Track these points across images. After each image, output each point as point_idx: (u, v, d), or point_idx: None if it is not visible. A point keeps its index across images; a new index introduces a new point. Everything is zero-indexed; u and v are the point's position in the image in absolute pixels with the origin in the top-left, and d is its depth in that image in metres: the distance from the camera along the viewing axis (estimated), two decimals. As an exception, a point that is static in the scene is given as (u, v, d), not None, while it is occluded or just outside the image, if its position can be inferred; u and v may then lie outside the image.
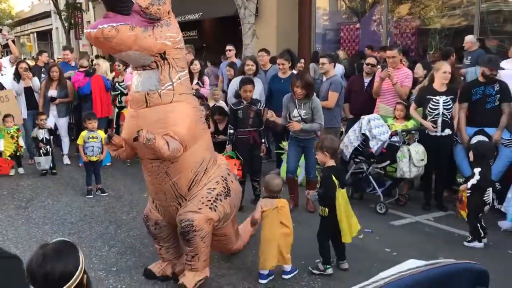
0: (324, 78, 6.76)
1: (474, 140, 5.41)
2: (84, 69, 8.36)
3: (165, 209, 3.82)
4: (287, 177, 5.71)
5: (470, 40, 8.48)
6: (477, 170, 4.56)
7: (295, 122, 5.28)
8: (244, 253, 4.51)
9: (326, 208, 4.07)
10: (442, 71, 5.47)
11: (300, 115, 5.32)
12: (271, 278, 3.99)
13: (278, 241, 3.90)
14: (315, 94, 5.38)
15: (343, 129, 7.07)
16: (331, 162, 4.14)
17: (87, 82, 8.00)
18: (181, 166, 3.56)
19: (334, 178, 3.98)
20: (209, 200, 3.65)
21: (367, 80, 6.78)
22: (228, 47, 8.99)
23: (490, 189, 4.65)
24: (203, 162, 3.70)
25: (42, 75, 8.63)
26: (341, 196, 3.99)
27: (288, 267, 4.04)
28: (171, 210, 3.76)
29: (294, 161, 5.68)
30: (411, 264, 1.14)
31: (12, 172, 7.47)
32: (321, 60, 6.53)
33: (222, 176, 3.84)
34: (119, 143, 3.64)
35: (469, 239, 4.69)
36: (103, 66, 8.11)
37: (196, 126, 3.61)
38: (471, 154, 4.78)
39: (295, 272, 4.08)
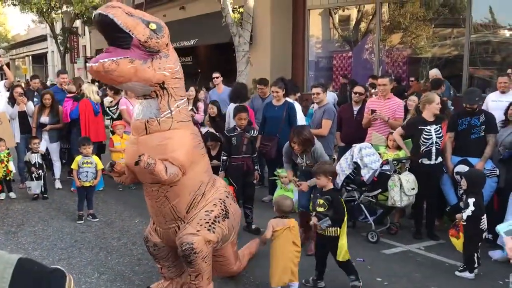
0: (317, 106, 6.83)
1: (457, 169, 5.49)
2: (72, 94, 8.39)
3: (164, 232, 3.93)
4: (299, 211, 5.51)
5: (434, 74, 9.07)
6: (471, 201, 4.57)
7: (304, 183, 5.20)
8: (252, 273, 4.53)
9: (338, 228, 4.20)
10: (436, 103, 5.58)
11: (305, 163, 5.20)
12: None
13: (291, 259, 4.07)
14: (317, 145, 5.16)
15: (335, 157, 7.13)
16: (331, 185, 4.33)
17: (76, 107, 8.00)
18: (180, 190, 3.69)
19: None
20: (207, 222, 3.75)
21: (356, 108, 6.88)
22: (214, 75, 8.99)
23: (485, 216, 4.67)
24: (201, 185, 3.83)
25: (35, 99, 8.66)
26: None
27: (296, 285, 4.19)
28: (171, 232, 3.87)
29: (306, 194, 5.38)
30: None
31: (2, 196, 7.41)
32: (314, 90, 6.62)
33: (221, 199, 3.94)
34: (121, 170, 3.81)
35: (461, 268, 4.69)
36: (88, 89, 8.05)
37: (194, 152, 3.75)
38: (464, 182, 4.82)
39: None
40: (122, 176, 3.87)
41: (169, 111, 3.59)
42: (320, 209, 4.23)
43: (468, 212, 4.56)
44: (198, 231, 3.69)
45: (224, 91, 8.60)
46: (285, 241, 4.05)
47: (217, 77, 8.85)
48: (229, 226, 3.96)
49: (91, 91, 8.05)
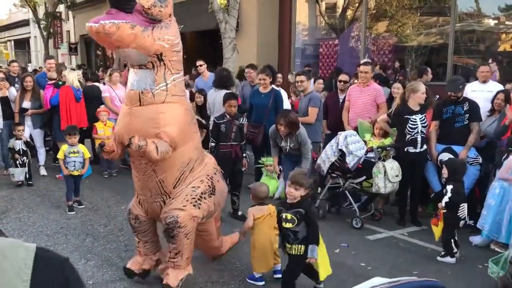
0: (302, 95, 6.87)
1: (441, 157, 5.59)
2: (54, 81, 8.28)
3: (149, 205, 3.94)
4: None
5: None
6: (449, 188, 4.70)
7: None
8: (237, 260, 4.58)
9: (303, 246, 3.70)
10: (421, 92, 5.64)
11: (289, 146, 5.40)
12: (262, 283, 4.17)
13: (273, 243, 4.08)
14: (302, 130, 5.34)
15: (322, 144, 7.18)
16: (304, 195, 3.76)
17: (56, 93, 7.89)
18: (168, 165, 3.70)
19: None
20: (194, 198, 3.75)
21: (341, 96, 6.94)
22: (198, 63, 8.94)
23: (465, 205, 4.77)
24: (190, 161, 3.84)
25: (16, 85, 8.54)
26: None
27: (279, 266, 4.22)
28: (155, 206, 3.88)
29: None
30: (376, 281, 1.22)
31: (-15, 183, 7.35)
32: (298, 77, 6.66)
33: (208, 175, 3.94)
34: (111, 149, 3.78)
35: (442, 254, 4.81)
36: (69, 76, 7.93)
37: (187, 128, 3.75)
38: (444, 170, 4.92)
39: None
40: (112, 153, 3.84)
41: (165, 83, 3.56)
42: (288, 225, 3.71)
43: (445, 198, 4.68)
44: (184, 206, 3.69)
45: (210, 78, 8.55)
46: (267, 228, 4.07)
47: (200, 65, 8.79)
48: (215, 202, 3.97)
49: (72, 77, 7.93)
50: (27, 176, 7.40)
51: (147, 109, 3.55)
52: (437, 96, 6.77)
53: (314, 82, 8.65)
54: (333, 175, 5.87)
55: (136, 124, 3.55)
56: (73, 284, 0.88)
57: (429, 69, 7.83)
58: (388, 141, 5.98)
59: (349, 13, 13.25)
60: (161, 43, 3.45)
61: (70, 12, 26.43)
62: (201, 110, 7.42)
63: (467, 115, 5.67)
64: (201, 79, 8.86)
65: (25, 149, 7.33)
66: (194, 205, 3.73)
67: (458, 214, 4.72)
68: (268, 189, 4.40)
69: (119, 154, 3.93)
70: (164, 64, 3.55)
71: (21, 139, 7.32)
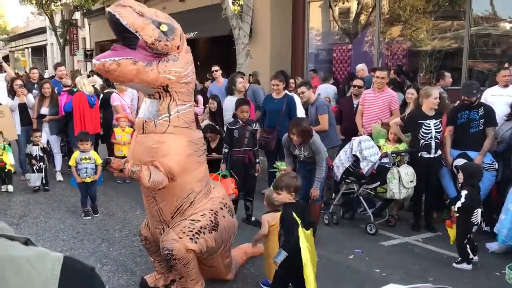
0: (309, 105, 6.82)
1: (456, 162, 5.55)
2: (68, 88, 8.39)
3: (153, 229, 3.98)
4: None
5: (361, 68, 9.49)
6: (463, 193, 4.66)
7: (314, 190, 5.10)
8: (251, 265, 4.57)
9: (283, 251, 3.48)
10: (433, 97, 5.60)
11: (303, 155, 5.20)
12: None
13: None
14: (315, 138, 5.10)
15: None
16: (290, 200, 3.64)
17: (70, 100, 8.01)
18: (167, 194, 3.70)
19: (295, 215, 3.47)
20: (191, 231, 3.69)
21: (356, 101, 6.93)
22: (214, 68, 8.90)
23: (479, 210, 4.72)
24: (191, 194, 3.77)
25: (34, 91, 8.68)
26: (306, 237, 3.47)
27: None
28: (157, 232, 3.92)
29: (304, 186, 5.10)
30: (391, 289, 1.22)
31: (4, 188, 7.46)
32: (299, 89, 6.68)
33: (212, 210, 3.85)
34: (118, 167, 3.68)
35: (458, 260, 4.75)
36: (80, 82, 8.04)
37: (187, 160, 3.68)
38: (460, 174, 4.88)
39: None
40: (120, 173, 3.79)
41: (168, 114, 3.58)
42: None
43: (458, 203, 4.64)
44: (180, 238, 3.65)
45: (224, 83, 8.61)
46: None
47: (216, 70, 8.81)
48: (217, 239, 3.82)
49: (83, 83, 8.02)
50: (44, 181, 7.50)
51: (148, 138, 3.59)
52: (458, 102, 6.70)
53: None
54: (347, 180, 5.85)
55: (138, 151, 3.63)
56: None
57: (447, 74, 7.75)
58: (402, 146, 5.96)
59: (363, 18, 13.23)
60: (167, 76, 3.46)
61: (85, 20, 26.82)
62: (215, 116, 7.46)
63: (482, 120, 5.61)
64: (215, 85, 8.91)
65: (42, 155, 7.43)
66: (191, 238, 3.67)
67: (471, 220, 4.67)
68: None
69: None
70: (170, 95, 3.57)
71: (38, 145, 7.43)
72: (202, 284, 3.95)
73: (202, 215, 3.78)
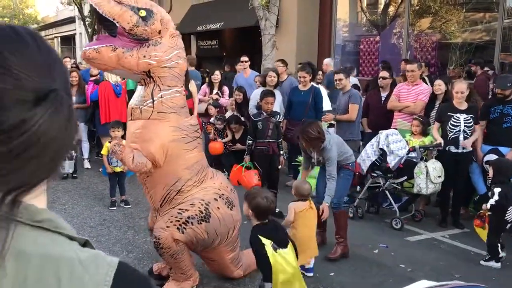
0: (341, 93, 6.77)
1: (487, 158, 5.42)
2: (94, 77, 8.52)
3: (153, 217, 4.07)
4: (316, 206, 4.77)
5: (327, 63, 9.38)
6: (497, 190, 4.53)
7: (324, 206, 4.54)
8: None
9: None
10: (455, 91, 5.50)
11: (316, 159, 4.79)
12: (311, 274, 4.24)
13: (314, 233, 4.22)
14: (327, 143, 4.56)
15: (361, 143, 7.10)
16: (256, 221, 3.33)
17: (96, 89, 8.17)
18: (155, 181, 3.74)
19: (263, 239, 3.17)
20: (178, 221, 3.62)
21: (384, 94, 6.82)
22: (243, 58, 8.68)
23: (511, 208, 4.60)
24: (178, 181, 3.69)
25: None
26: (285, 260, 3.16)
27: (312, 263, 4.28)
28: (154, 219, 3.97)
29: (322, 188, 4.87)
30: (423, 285, 1.19)
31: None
32: (337, 76, 6.53)
33: (203, 200, 3.69)
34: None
35: (486, 258, 4.66)
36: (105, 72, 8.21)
37: (171, 146, 3.63)
38: (490, 170, 4.77)
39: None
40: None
41: (151, 100, 3.61)
42: None
43: (492, 201, 4.52)
44: (167, 227, 3.63)
45: (251, 75, 8.55)
46: (309, 219, 4.17)
47: (245, 61, 8.64)
48: (209, 231, 3.67)
49: (108, 72, 8.14)
50: (73, 169, 7.65)
51: (134, 124, 3.69)
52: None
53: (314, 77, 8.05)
54: (373, 174, 5.79)
55: (128, 137, 3.74)
56: None
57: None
58: (428, 139, 5.83)
59: (391, 9, 12.98)
60: (147, 60, 3.49)
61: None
62: (240, 107, 7.46)
63: (516, 115, 5.46)
64: (241, 76, 8.84)
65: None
66: (178, 228, 3.60)
67: (506, 218, 4.55)
68: (311, 187, 4.42)
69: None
70: (154, 80, 3.60)
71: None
72: (195, 281, 3.88)
73: (191, 204, 3.66)
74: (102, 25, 3.46)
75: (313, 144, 4.54)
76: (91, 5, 3.33)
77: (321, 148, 4.53)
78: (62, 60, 0.78)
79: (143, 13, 3.40)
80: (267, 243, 3.14)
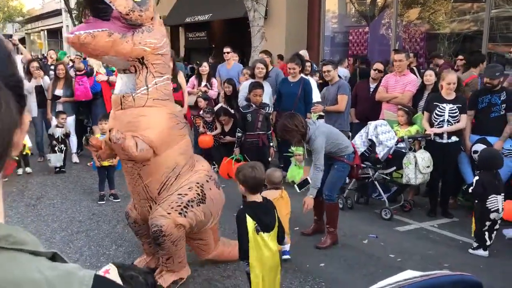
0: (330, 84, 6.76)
1: (475, 148, 5.46)
2: (82, 72, 8.41)
3: (141, 209, 3.93)
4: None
5: (303, 54, 9.17)
6: (475, 179, 4.63)
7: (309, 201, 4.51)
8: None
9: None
10: (446, 82, 5.51)
11: (306, 149, 4.85)
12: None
13: (286, 223, 4.16)
14: (312, 133, 4.49)
15: (350, 134, 7.11)
16: (252, 198, 3.29)
17: (94, 82, 8.10)
18: (152, 170, 3.65)
19: (249, 219, 3.13)
20: (179, 206, 3.64)
21: (373, 85, 6.82)
22: (225, 49, 8.66)
23: (497, 196, 4.60)
24: (176, 167, 3.72)
25: (51, 72, 8.74)
26: (264, 243, 3.15)
27: (288, 246, 4.33)
28: (145, 211, 3.87)
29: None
30: (408, 275, 1.20)
31: (20, 171, 7.53)
32: (325, 67, 6.52)
33: (198, 183, 3.79)
34: (97, 145, 3.76)
35: (474, 246, 4.71)
36: (96, 64, 8.17)
37: (169, 132, 3.64)
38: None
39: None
40: (99, 151, 3.85)
41: (145, 87, 3.52)
42: None
43: (470, 189, 4.60)
44: (168, 213, 3.61)
45: (234, 67, 8.55)
46: (280, 207, 3.98)
47: (228, 52, 8.63)
48: (206, 212, 3.79)
49: (98, 64, 8.11)
50: (62, 163, 7.58)
51: (127, 113, 3.52)
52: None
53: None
54: (362, 165, 5.80)
55: (116, 127, 3.53)
56: None
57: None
58: (414, 128, 5.85)
59: (380, 0, 12.99)
60: (142, 47, 3.40)
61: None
62: (230, 99, 7.43)
63: (504, 105, 5.49)
64: (224, 67, 8.76)
65: (63, 137, 7.53)
66: (180, 213, 3.63)
67: (486, 206, 4.58)
68: (282, 175, 4.40)
69: (106, 155, 3.95)
70: (147, 67, 3.50)
71: (62, 127, 7.52)
72: (188, 270, 3.93)
73: (189, 188, 3.72)
74: (91, 7, 3.27)
75: (290, 136, 4.51)
76: None
77: (307, 139, 4.51)
78: None
79: None
80: (251, 224, 3.11)
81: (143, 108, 3.51)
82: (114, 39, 3.22)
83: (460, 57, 8.84)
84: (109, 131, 3.45)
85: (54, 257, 0.66)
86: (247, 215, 3.14)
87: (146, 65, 3.50)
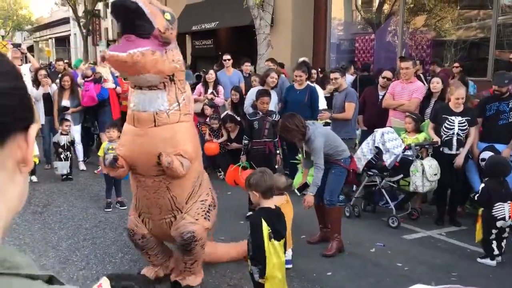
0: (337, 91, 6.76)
1: (482, 155, 5.42)
2: (90, 78, 8.44)
3: (154, 223, 3.87)
4: (315, 203, 4.79)
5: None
6: (480, 186, 4.61)
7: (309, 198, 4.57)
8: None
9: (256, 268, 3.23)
10: (455, 97, 5.48)
11: (306, 150, 4.79)
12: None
13: (289, 229, 4.09)
14: (311, 133, 4.56)
15: (357, 141, 7.09)
16: (265, 203, 3.34)
17: (101, 88, 8.14)
18: (183, 181, 3.70)
19: (264, 224, 3.15)
20: (204, 211, 3.85)
21: (381, 93, 6.81)
22: (225, 56, 8.72)
23: (503, 204, 4.55)
24: (200, 176, 3.92)
25: (57, 81, 8.80)
26: (275, 250, 3.18)
27: (290, 255, 4.28)
28: (163, 224, 3.82)
29: (323, 188, 4.80)
30: (419, 288, 1.18)
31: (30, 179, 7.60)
32: (333, 75, 6.51)
33: (210, 188, 4.07)
34: (122, 165, 3.65)
35: (482, 255, 4.65)
36: (104, 71, 8.23)
37: (197, 144, 3.90)
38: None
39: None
40: (120, 170, 3.70)
41: (177, 103, 3.58)
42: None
43: (476, 197, 4.60)
44: (196, 219, 3.77)
45: (233, 74, 8.58)
46: (286, 213, 3.94)
47: (228, 59, 8.64)
48: (216, 214, 4.06)
49: (107, 72, 8.17)
50: (69, 170, 7.61)
51: (163, 130, 3.50)
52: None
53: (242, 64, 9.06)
54: (370, 173, 5.78)
55: (150, 145, 3.47)
56: None
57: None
58: (422, 136, 5.82)
59: (386, 7, 13.01)
60: (175, 64, 3.47)
61: (108, 10, 26.99)
62: (237, 107, 7.44)
63: (512, 112, 5.46)
64: (223, 73, 8.78)
65: (68, 144, 7.57)
66: (205, 218, 3.84)
67: (492, 213, 4.54)
68: (286, 180, 4.40)
69: (125, 174, 3.86)
70: (175, 83, 3.55)
71: (67, 134, 7.55)
72: (203, 273, 4.08)
73: (207, 194, 3.96)
74: (130, 24, 3.18)
75: (291, 136, 4.63)
76: (128, 1, 2.99)
77: (306, 139, 4.58)
78: None
79: (168, 16, 3.33)
80: (266, 229, 3.15)
81: (177, 124, 3.58)
82: (156, 58, 3.26)
83: (456, 64, 8.86)
84: (158, 156, 3.40)
85: (50, 280, 0.64)
86: (263, 220, 3.17)
87: (174, 81, 3.55)
